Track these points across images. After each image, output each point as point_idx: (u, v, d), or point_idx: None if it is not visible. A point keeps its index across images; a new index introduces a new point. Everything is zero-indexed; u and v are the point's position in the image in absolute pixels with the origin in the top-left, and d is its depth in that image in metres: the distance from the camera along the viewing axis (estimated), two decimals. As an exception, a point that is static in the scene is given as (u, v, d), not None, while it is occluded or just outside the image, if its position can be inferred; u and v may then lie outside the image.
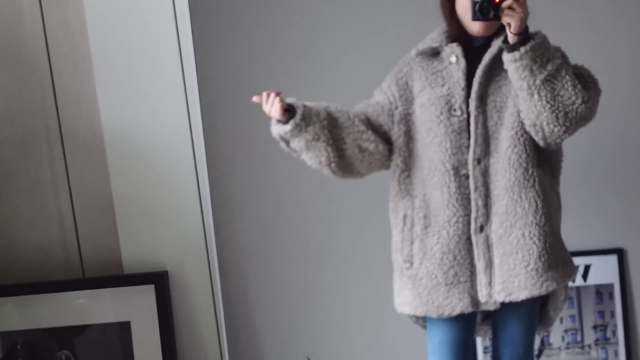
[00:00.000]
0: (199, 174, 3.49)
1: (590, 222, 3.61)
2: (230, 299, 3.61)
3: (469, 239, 2.70)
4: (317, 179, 3.48)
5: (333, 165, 2.73)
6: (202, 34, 3.52)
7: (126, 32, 3.36)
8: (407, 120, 2.75)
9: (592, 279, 3.62)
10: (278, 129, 2.69)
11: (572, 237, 3.38)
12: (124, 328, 3.29)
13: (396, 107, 2.76)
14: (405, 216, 2.76)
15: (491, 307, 2.71)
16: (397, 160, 2.76)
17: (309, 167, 3.47)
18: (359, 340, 3.62)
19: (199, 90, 3.53)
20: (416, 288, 2.73)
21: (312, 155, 2.72)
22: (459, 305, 2.69)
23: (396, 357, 3.59)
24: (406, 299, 2.76)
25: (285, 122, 2.66)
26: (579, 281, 3.60)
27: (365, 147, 2.73)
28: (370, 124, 2.75)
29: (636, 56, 3.58)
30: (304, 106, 2.68)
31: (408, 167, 2.76)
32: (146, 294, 3.33)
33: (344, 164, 2.75)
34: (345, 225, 3.61)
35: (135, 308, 3.31)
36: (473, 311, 2.71)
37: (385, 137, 2.76)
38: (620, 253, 3.62)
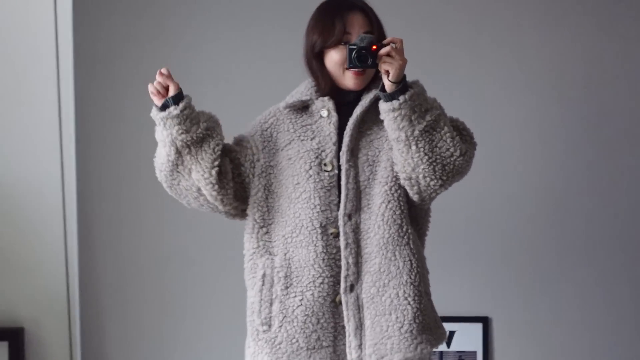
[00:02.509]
0: (67, 226, 3.34)
1: (457, 289, 3.54)
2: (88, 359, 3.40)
3: (333, 301, 2.48)
4: (187, 233, 3.48)
5: (178, 168, 2.47)
6: (83, 77, 3.37)
7: (1, 72, 3.17)
8: (268, 173, 2.54)
9: (456, 346, 3.53)
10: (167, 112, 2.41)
11: (438, 302, 3.31)
12: (-29, 386, 3.02)
13: (258, 159, 2.55)
14: (264, 275, 2.51)
15: None
16: (254, 215, 2.53)
17: (179, 221, 3.34)
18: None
19: (75, 136, 3.36)
20: (274, 353, 2.49)
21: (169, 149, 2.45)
22: None
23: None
24: None
25: (175, 102, 2.40)
26: (442, 347, 3.48)
27: (209, 192, 2.48)
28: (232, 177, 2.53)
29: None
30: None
31: (267, 222, 2.53)
32: None
33: (181, 179, 2.49)
34: (210, 275, 3.50)
35: None
36: None
37: (238, 188, 2.53)
38: (485, 321, 3.54)
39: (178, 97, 2.40)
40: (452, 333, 3.50)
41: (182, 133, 2.41)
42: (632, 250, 3.56)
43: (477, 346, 3.51)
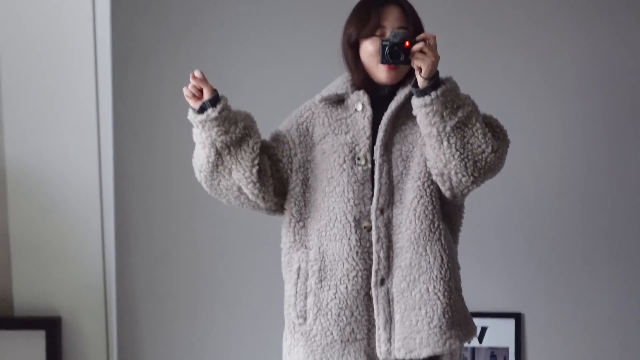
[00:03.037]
0: (105, 218, 3.32)
1: (490, 285, 3.51)
2: (125, 351, 3.39)
3: (367, 294, 2.48)
4: (220, 223, 3.47)
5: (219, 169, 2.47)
6: (121, 74, 3.37)
7: (38, 63, 3.21)
8: (305, 168, 2.54)
9: (488, 342, 3.51)
10: (204, 114, 2.41)
11: (470, 298, 3.29)
12: (9, 374, 3.05)
13: (295, 154, 2.55)
14: (299, 269, 2.52)
15: None
16: (292, 210, 2.53)
17: (212, 212, 3.37)
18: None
19: (113, 129, 3.36)
20: (309, 345, 2.50)
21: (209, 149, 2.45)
22: None
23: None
24: (298, 357, 2.52)
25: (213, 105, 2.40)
26: (474, 343, 3.49)
27: (250, 191, 2.48)
28: (270, 174, 2.53)
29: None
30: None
31: (303, 217, 2.53)
32: (36, 340, 3.09)
33: (220, 179, 2.50)
34: (243, 268, 3.50)
35: (23, 354, 3.06)
36: None
37: (277, 184, 2.54)
38: (517, 317, 3.52)
39: (215, 99, 2.40)
40: (484, 329, 3.47)
41: (221, 135, 2.41)
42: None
43: (509, 342, 3.49)
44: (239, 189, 2.49)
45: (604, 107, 3.50)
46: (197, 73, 2.39)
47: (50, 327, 3.17)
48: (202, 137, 2.43)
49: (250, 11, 3.50)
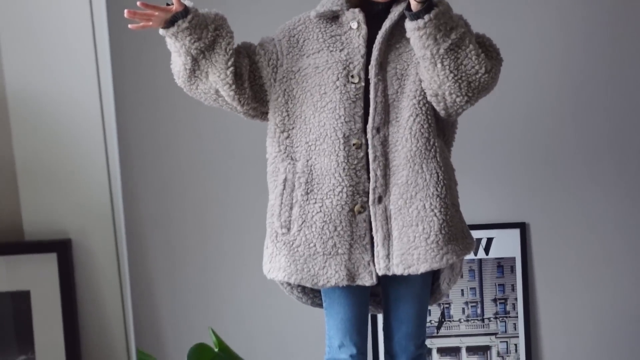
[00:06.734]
0: (107, 139, 3.30)
1: (494, 196, 3.52)
2: (134, 270, 3.43)
3: (351, 210, 2.49)
4: (224, 150, 3.45)
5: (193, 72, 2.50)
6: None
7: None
8: (289, 78, 2.53)
9: (494, 252, 3.53)
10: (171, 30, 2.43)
11: (475, 210, 3.34)
12: (22, 298, 3.07)
13: (281, 64, 2.54)
14: (285, 179, 2.53)
15: (367, 282, 2.52)
16: (275, 119, 2.54)
17: (216, 133, 3.38)
18: (261, 311, 3.51)
19: (110, 51, 3.33)
20: (292, 255, 2.52)
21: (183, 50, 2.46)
22: (334, 277, 2.50)
23: (296, 329, 3.51)
24: (280, 265, 2.55)
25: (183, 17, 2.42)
26: (480, 254, 3.50)
27: (226, 93, 2.51)
28: (249, 78, 2.53)
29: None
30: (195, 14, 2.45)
31: (287, 127, 2.53)
32: (48, 263, 3.12)
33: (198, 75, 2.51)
34: (248, 194, 3.47)
35: (36, 277, 3.09)
36: (357, 285, 2.53)
37: (258, 90, 2.55)
38: (522, 227, 3.53)
39: (185, 10, 2.41)
40: (490, 240, 3.49)
41: (194, 42, 2.42)
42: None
43: (515, 252, 3.51)
44: (217, 91, 2.51)
45: (605, 11, 3.48)
46: (139, 4, 2.37)
47: (61, 249, 3.11)
48: (177, 46, 2.44)
49: (249, 9, 3.43)
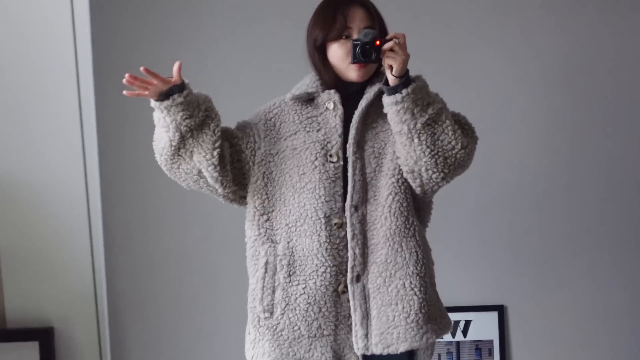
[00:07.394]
0: (92, 226, 3.31)
1: (473, 278, 3.53)
2: (118, 358, 3.41)
3: (335, 290, 2.50)
4: (208, 229, 3.48)
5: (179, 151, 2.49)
6: (102, 81, 3.36)
7: (22, 72, 3.18)
8: (268, 161, 2.55)
9: (472, 335, 3.53)
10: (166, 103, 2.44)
11: (453, 292, 3.33)
12: (3, 387, 3.06)
13: (259, 148, 2.57)
14: (267, 262, 2.53)
15: None
16: (255, 202, 2.55)
17: (200, 217, 3.39)
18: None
19: (97, 139, 3.34)
20: (276, 339, 2.52)
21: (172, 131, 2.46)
22: (320, 359, 2.50)
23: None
24: (264, 350, 2.54)
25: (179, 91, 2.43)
26: (458, 336, 3.50)
27: (210, 174, 2.51)
28: (230, 161, 2.55)
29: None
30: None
31: (267, 210, 2.55)
32: (30, 351, 3.11)
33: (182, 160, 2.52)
34: (231, 273, 3.50)
35: None
36: None
37: (237, 173, 2.56)
38: (501, 310, 3.54)
39: (181, 85, 2.42)
40: (468, 322, 3.49)
41: (186, 118, 2.42)
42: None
43: (493, 335, 3.51)
44: (199, 172, 2.51)
45: (584, 99, 3.53)
46: (141, 69, 2.38)
47: (44, 337, 3.12)
48: (167, 121, 2.44)
49: (231, 9, 3.50)
